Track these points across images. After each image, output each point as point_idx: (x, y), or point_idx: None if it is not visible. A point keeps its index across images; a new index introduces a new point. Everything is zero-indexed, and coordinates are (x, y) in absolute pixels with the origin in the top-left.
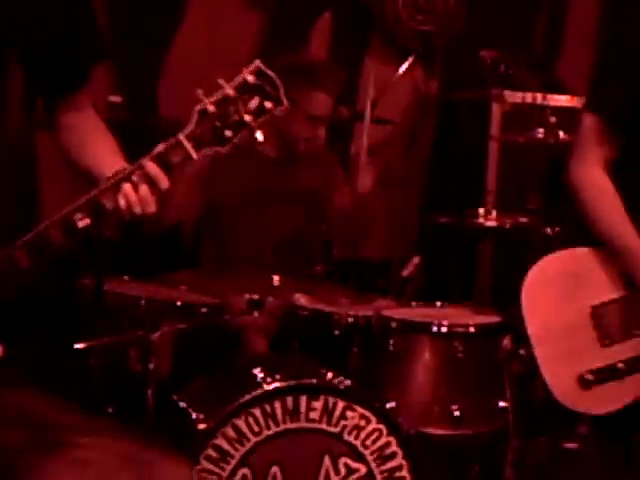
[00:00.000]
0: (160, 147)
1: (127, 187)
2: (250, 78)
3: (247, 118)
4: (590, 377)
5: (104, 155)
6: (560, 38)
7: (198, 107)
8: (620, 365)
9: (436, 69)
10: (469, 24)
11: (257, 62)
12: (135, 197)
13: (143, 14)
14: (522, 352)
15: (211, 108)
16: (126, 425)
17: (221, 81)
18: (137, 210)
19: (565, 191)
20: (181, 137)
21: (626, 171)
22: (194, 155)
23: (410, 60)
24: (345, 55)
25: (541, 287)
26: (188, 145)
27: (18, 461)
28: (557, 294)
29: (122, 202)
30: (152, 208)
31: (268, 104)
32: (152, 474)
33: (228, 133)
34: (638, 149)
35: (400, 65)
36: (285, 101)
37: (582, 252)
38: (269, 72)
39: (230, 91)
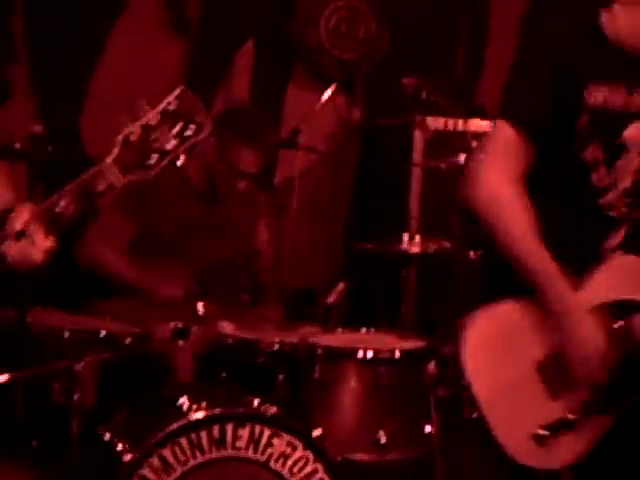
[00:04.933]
0: (84, 175)
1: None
2: (173, 104)
3: (170, 145)
4: (544, 432)
5: None
6: (480, 63)
7: (121, 134)
8: (571, 415)
9: (358, 96)
10: (391, 51)
11: (180, 88)
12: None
13: (64, 42)
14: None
15: (134, 135)
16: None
17: (144, 107)
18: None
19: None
20: (106, 165)
21: (542, 189)
22: (120, 182)
23: (332, 88)
24: (268, 84)
25: (482, 349)
26: (112, 172)
27: None
28: (499, 354)
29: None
30: (37, 261)
31: (188, 132)
32: None
33: (152, 159)
34: (554, 164)
35: (323, 93)
36: (207, 127)
37: (513, 306)
38: (192, 99)
39: (153, 118)
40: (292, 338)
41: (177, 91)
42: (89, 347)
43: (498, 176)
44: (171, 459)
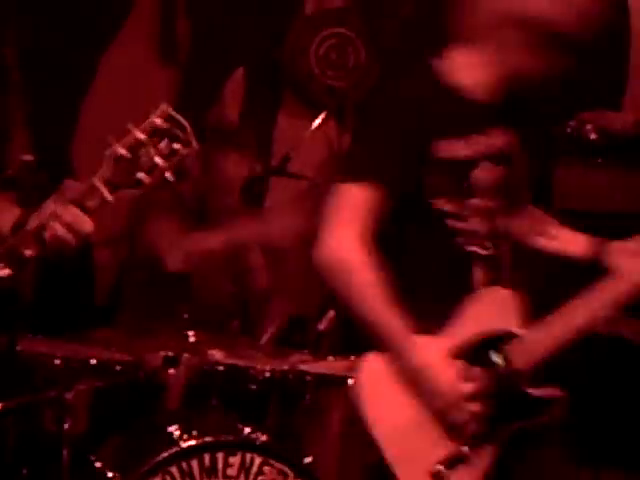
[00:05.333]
0: (75, 192)
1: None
2: (158, 122)
3: (158, 160)
4: (441, 468)
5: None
6: None
7: (110, 151)
8: (464, 448)
9: (349, 124)
10: (381, 78)
11: (164, 106)
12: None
13: (56, 71)
14: None
15: (123, 152)
16: None
17: (130, 125)
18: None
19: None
20: (96, 182)
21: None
22: (109, 198)
23: (322, 116)
24: (258, 110)
25: (377, 392)
26: (103, 189)
27: None
28: (395, 392)
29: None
30: (88, 228)
31: (177, 146)
32: None
33: (141, 175)
34: (410, 227)
35: (313, 121)
36: (194, 143)
37: None
38: (177, 115)
39: (140, 135)
40: (283, 365)
41: (161, 109)
42: (80, 375)
43: (348, 240)
44: None
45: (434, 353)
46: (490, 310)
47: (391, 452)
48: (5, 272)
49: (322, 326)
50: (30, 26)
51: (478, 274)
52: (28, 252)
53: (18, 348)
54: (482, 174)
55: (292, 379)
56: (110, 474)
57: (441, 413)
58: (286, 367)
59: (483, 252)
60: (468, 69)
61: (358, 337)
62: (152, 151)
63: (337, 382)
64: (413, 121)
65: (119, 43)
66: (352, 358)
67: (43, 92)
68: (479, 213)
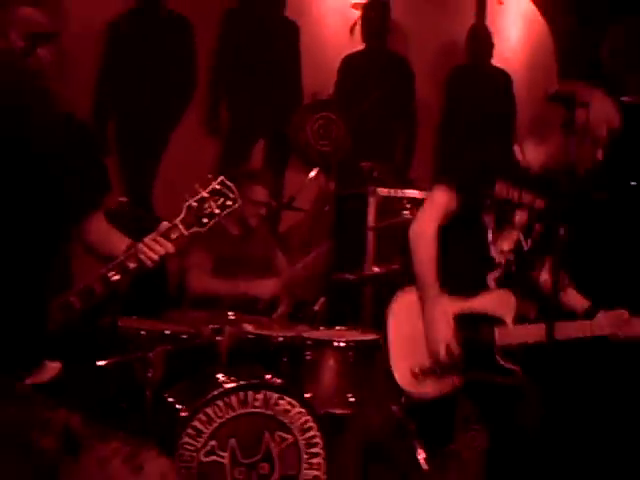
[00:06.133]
0: (163, 227)
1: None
2: (217, 186)
3: (216, 211)
4: (419, 371)
5: (118, 244)
6: (411, 153)
7: (186, 203)
8: (440, 365)
9: (333, 175)
10: (353, 146)
11: (221, 177)
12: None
13: (140, 140)
14: None
15: (194, 204)
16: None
17: (199, 188)
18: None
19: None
20: (177, 222)
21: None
22: (185, 233)
23: (315, 170)
24: (274, 167)
25: (398, 312)
26: (181, 227)
27: (51, 461)
28: (407, 316)
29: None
30: (171, 250)
31: (229, 202)
32: (144, 466)
33: (205, 220)
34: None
35: (309, 173)
36: (239, 200)
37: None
38: (229, 183)
39: (205, 194)
40: (291, 333)
41: (220, 179)
42: (158, 341)
43: (427, 222)
44: (212, 414)
45: (444, 310)
46: (495, 300)
47: (393, 349)
48: (116, 278)
49: (317, 307)
50: (124, 111)
51: (495, 274)
52: (132, 265)
53: (118, 324)
54: (521, 216)
55: (297, 342)
56: (179, 406)
57: (428, 346)
58: (293, 334)
59: (503, 262)
60: (534, 154)
61: (339, 315)
62: (212, 205)
63: (327, 344)
64: (484, 172)
65: (183, 124)
66: (336, 328)
67: (133, 157)
68: (511, 241)
